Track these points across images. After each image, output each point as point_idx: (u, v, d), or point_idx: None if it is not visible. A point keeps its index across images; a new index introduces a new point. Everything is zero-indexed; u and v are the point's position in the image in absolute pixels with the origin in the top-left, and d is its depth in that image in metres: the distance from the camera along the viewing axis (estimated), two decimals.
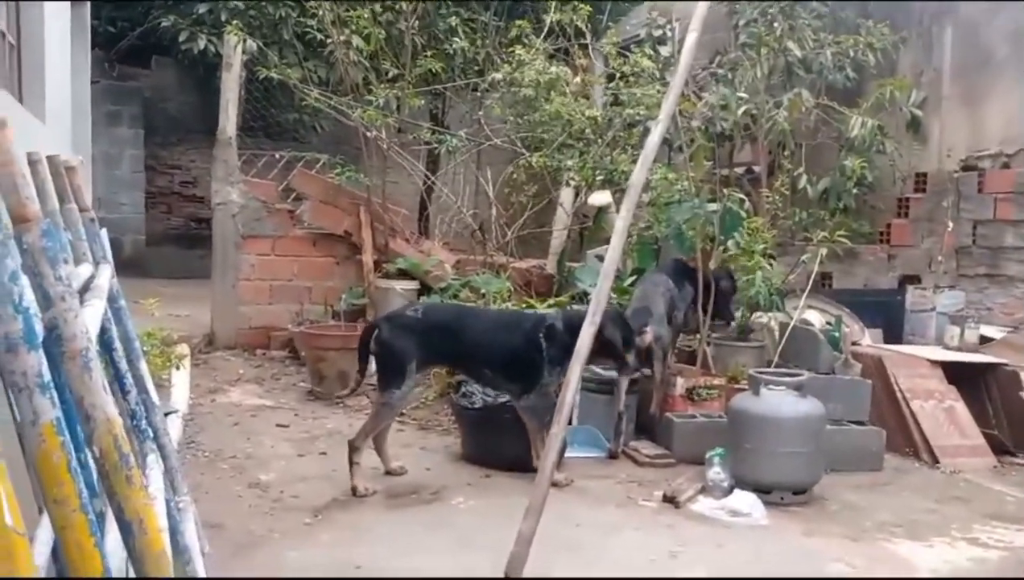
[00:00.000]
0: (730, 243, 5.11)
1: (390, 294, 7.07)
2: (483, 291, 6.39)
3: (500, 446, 4.40)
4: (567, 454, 4.60)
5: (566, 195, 7.44)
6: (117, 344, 2.37)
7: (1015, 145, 6.32)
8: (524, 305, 5.89)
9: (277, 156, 7.49)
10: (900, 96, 6.55)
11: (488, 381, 4.34)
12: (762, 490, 4.02)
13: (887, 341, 6.06)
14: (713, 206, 5.04)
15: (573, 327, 3.66)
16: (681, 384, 4.83)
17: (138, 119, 11.59)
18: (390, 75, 6.73)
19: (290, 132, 10.61)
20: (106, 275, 2.75)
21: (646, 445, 4.80)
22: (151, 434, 2.50)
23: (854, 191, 6.10)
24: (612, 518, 3.82)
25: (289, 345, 6.96)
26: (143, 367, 3.22)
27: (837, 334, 5.06)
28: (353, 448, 4.03)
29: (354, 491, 3.95)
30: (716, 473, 4.11)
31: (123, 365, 2.37)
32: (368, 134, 6.71)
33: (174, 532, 2.79)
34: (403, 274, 7.08)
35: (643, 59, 6.12)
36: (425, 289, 7.09)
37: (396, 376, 4.07)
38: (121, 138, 11.47)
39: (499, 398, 4.45)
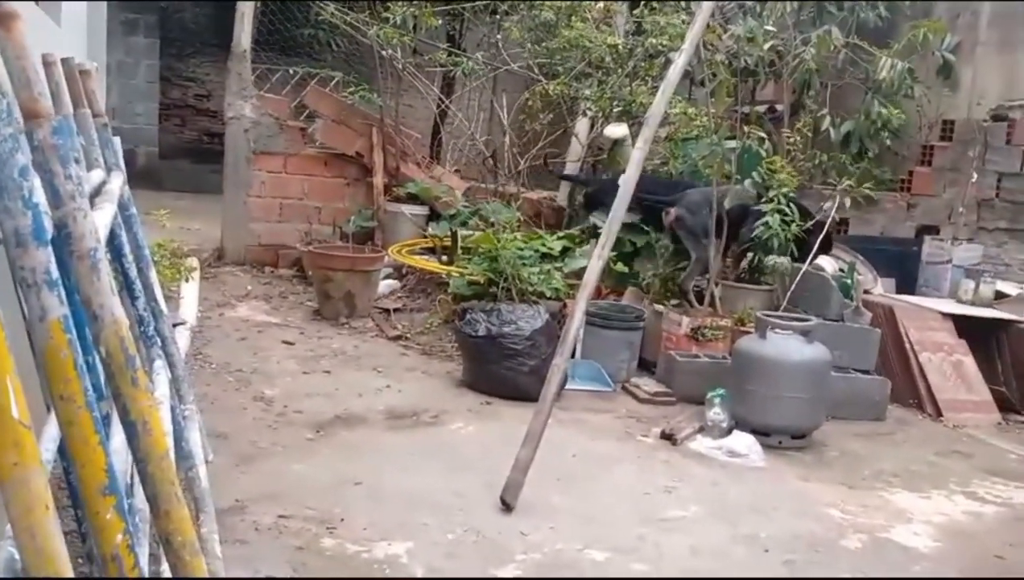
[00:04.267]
0: (747, 182, 5.03)
1: (399, 218, 7.05)
2: (492, 220, 6.35)
3: (501, 374, 4.42)
4: (568, 386, 4.63)
5: (581, 125, 7.31)
6: (127, 250, 2.36)
7: None
8: (533, 237, 5.83)
9: (291, 72, 7.36)
10: (933, 39, 6.37)
11: None
12: (761, 432, 4.04)
13: (900, 291, 6.01)
14: (732, 144, 4.95)
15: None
16: (686, 323, 4.82)
17: (154, 28, 11.38)
18: None
19: (304, 48, 10.42)
20: (118, 182, 2.73)
21: (647, 382, 4.81)
22: (159, 341, 2.50)
23: (882, 135, 5.98)
24: (609, 451, 3.86)
25: (297, 264, 6.96)
26: (152, 275, 3.22)
27: (849, 282, 5.02)
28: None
29: None
30: (716, 413, 4.13)
31: (132, 271, 2.36)
32: (383, 53, 6.58)
33: (179, 439, 2.83)
34: (413, 198, 7.04)
35: None
36: (434, 214, 7.06)
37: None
38: (137, 47, 11.28)
39: (503, 327, 4.46)
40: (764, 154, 5.09)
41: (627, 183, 3.62)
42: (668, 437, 4.04)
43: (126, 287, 2.37)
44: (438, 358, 5.12)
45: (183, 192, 10.09)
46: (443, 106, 7.68)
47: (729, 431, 4.06)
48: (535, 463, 3.24)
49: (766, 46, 5.79)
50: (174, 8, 11.80)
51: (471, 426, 4.02)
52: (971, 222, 6.36)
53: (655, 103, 3.69)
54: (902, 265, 6.09)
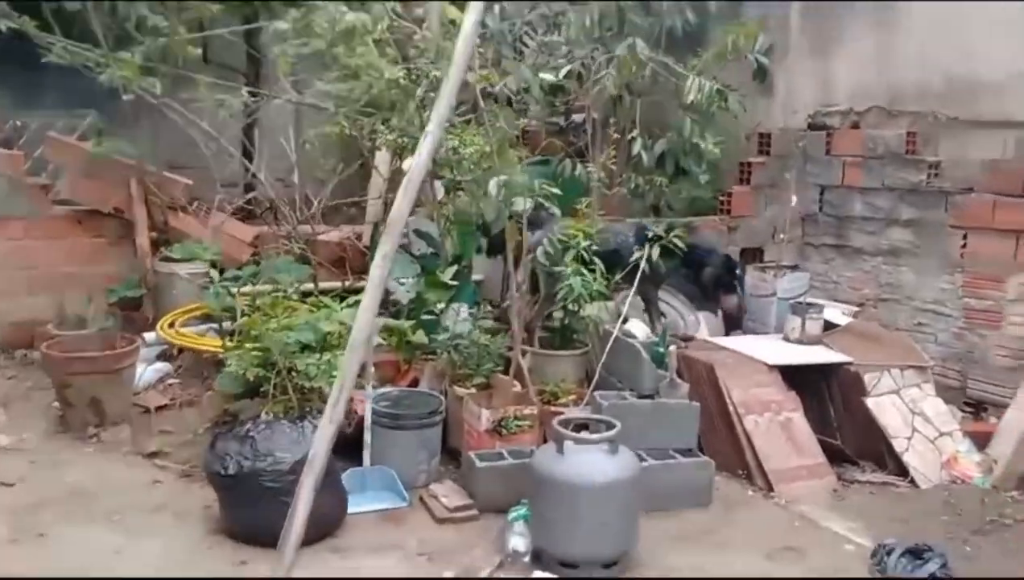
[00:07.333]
0: (539, 251, 4.38)
1: (174, 280, 6.04)
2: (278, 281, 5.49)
3: (261, 520, 3.59)
4: (351, 509, 3.90)
5: (381, 158, 6.50)
6: None
7: (866, 101, 5.80)
8: (317, 306, 4.99)
9: (18, 124, 6.19)
10: (745, 43, 5.88)
11: None
12: (568, 564, 3.42)
13: (727, 325, 5.57)
14: (521, 204, 4.26)
15: None
16: (487, 417, 4.13)
17: None
18: (150, 23, 5.52)
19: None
20: None
21: (449, 489, 4.10)
22: None
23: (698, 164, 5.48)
24: None
25: None
26: None
27: (662, 350, 4.47)
28: None
29: None
30: (517, 542, 3.50)
31: None
32: (125, 96, 5.53)
33: None
34: None
35: (448, 8, 5.15)
36: (221, 270, 6.10)
37: None
38: None
39: (257, 461, 3.64)
40: (558, 213, 4.44)
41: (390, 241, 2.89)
42: None
43: None
44: (200, 482, 4.23)
45: None
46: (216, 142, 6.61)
47: (532, 565, 3.43)
48: None
49: (562, 73, 5.15)
50: None
51: None
52: (796, 239, 5.97)
53: (397, 203, 2.96)
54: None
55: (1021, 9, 4.92)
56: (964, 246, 5.16)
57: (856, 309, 5.59)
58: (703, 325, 5.20)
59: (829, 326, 5.19)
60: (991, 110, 5.08)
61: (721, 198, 6.09)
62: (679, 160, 5.86)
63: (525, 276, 4.57)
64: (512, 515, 3.63)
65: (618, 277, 4.57)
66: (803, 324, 5.00)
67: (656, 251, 4.46)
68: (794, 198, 5.54)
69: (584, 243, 4.40)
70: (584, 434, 3.51)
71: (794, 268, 5.78)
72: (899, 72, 5.57)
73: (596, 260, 4.41)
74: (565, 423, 3.58)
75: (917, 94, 5.49)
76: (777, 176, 6.02)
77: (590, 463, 3.41)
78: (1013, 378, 4.78)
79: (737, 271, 4.96)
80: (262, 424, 3.83)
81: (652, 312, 4.97)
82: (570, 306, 4.46)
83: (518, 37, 6.42)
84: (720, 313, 5.25)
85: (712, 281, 5.01)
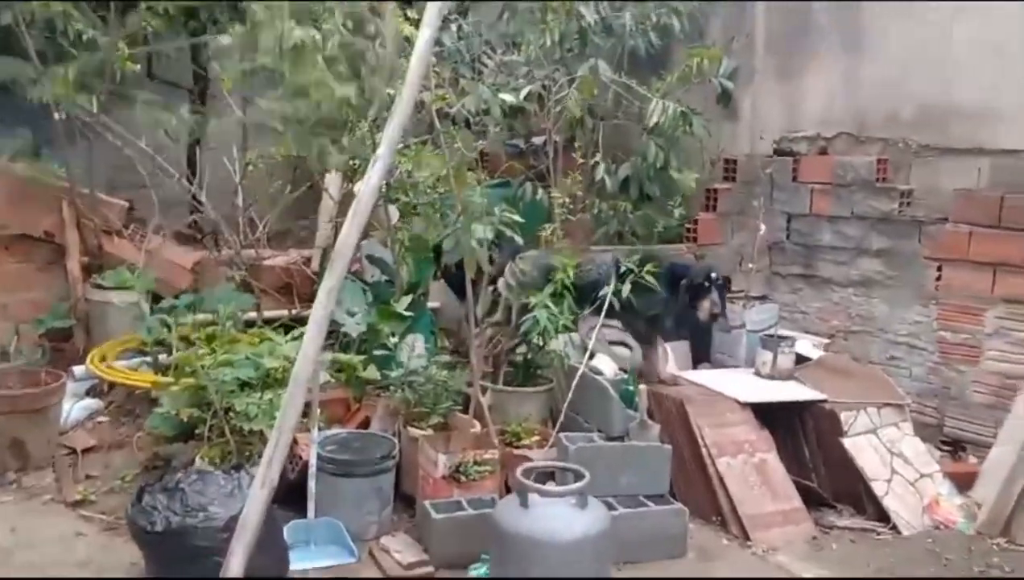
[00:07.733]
0: (500, 283, 4.11)
1: (107, 310, 5.64)
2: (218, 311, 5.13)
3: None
4: (294, 566, 3.55)
5: (332, 180, 6.19)
6: None
7: (834, 126, 5.63)
8: (259, 338, 4.64)
9: None
10: (709, 67, 5.71)
11: None
12: None
13: (696, 358, 5.34)
14: (480, 231, 3.98)
15: None
16: (444, 462, 3.82)
17: None
18: (85, 38, 5.18)
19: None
20: None
21: (402, 543, 3.77)
22: None
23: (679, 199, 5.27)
24: None
25: None
26: None
27: (631, 388, 4.21)
28: None
29: None
30: None
31: None
32: (57, 115, 5.17)
33: None
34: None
35: (403, 25, 4.87)
36: (158, 298, 5.72)
37: None
38: None
39: (187, 517, 3.28)
40: (520, 241, 4.17)
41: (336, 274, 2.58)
42: None
43: None
44: (126, 536, 3.83)
45: None
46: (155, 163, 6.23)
47: None
48: None
49: (522, 94, 4.91)
50: None
51: None
52: (764, 268, 5.77)
53: (344, 232, 2.67)
54: (695, 325, 5.38)
55: (994, 34, 4.80)
56: (939, 278, 4.99)
57: (826, 341, 5.39)
58: (671, 358, 4.94)
59: (800, 359, 4.98)
60: (964, 137, 4.94)
61: (687, 225, 5.88)
62: (643, 185, 5.66)
63: (486, 307, 4.29)
64: (471, 573, 3.33)
65: (587, 311, 4.30)
66: (775, 358, 4.78)
67: (627, 287, 4.19)
68: (762, 226, 5.33)
69: (566, 278, 4.13)
70: (550, 485, 3.23)
71: (763, 299, 5.58)
72: (868, 98, 5.41)
73: (567, 293, 4.14)
74: (529, 472, 3.27)
75: (887, 120, 5.33)
76: (744, 203, 5.83)
77: (557, 518, 3.12)
78: (992, 416, 4.61)
79: (713, 275, 4.63)
80: (193, 474, 3.47)
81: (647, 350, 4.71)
82: (535, 340, 4.17)
83: (476, 57, 6.20)
84: (697, 320, 4.86)
85: (687, 289, 4.64)
